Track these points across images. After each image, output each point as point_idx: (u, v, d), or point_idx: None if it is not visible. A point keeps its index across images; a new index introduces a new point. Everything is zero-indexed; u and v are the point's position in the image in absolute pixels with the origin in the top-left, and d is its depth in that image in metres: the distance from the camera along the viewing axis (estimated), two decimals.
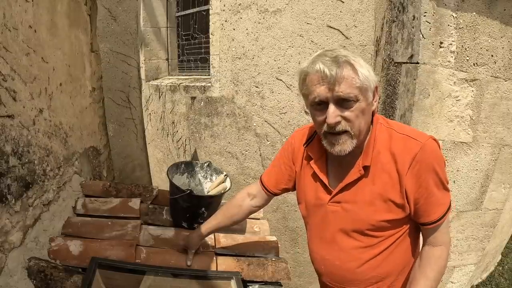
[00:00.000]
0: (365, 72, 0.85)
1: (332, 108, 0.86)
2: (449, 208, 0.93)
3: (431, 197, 0.90)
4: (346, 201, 0.96)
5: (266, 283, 1.42)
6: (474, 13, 1.65)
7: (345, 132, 0.88)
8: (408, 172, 0.88)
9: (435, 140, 0.91)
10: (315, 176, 1.02)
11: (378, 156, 0.92)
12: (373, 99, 0.91)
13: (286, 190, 1.17)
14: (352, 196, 0.95)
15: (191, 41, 3.94)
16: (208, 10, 3.09)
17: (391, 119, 2.01)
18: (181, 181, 1.79)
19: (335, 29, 2.44)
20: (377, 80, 0.90)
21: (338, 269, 1.01)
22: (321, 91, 0.86)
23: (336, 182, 0.98)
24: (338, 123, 0.87)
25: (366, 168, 0.92)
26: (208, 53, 3.24)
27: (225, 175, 1.79)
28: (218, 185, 1.76)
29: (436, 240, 0.94)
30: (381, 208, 0.92)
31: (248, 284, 1.40)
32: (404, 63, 1.84)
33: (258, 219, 1.82)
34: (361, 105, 0.86)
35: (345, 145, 0.89)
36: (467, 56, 1.71)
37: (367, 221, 0.93)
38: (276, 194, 1.20)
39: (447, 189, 0.92)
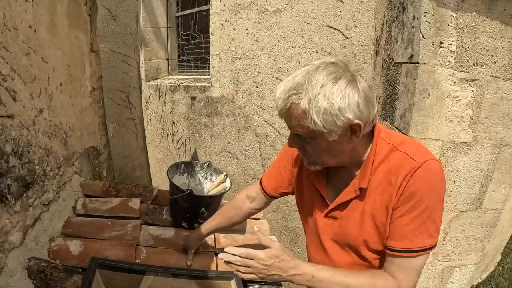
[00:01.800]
0: (318, 117, 0.73)
1: (290, 135, 0.84)
2: (420, 252, 0.79)
3: (402, 222, 0.79)
4: (341, 218, 0.92)
5: (266, 283, 1.42)
6: (474, 13, 1.65)
7: (305, 156, 0.86)
8: (397, 193, 0.79)
9: (436, 161, 0.79)
10: (313, 185, 0.99)
11: (376, 175, 0.84)
12: (349, 136, 0.79)
13: (285, 194, 1.15)
14: (347, 214, 0.90)
15: (191, 41, 3.94)
16: (208, 10, 3.09)
17: (390, 119, 2.01)
18: (181, 181, 1.79)
19: (335, 29, 2.44)
20: (351, 118, 0.74)
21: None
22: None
23: (334, 195, 0.94)
24: (297, 148, 0.86)
25: (362, 189, 0.86)
26: (208, 53, 3.24)
27: (225, 175, 1.79)
28: (218, 185, 1.76)
29: (394, 275, 0.82)
30: (372, 230, 0.86)
31: (248, 284, 1.39)
32: (404, 63, 1.84)
33: (258, 219, 1.82)
34: (318, 142, 0.79)
35: (311, 167, 0.88)
36: (467, 56, 1.71)
37: (360, 240, 0.89)
38: (275, 197, 1.17)
39: (430, 233, 0.78)
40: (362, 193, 0.87)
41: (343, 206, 0.91)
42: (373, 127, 0.85)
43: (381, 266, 0.89)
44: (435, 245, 0.81)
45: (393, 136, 0.87)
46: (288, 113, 0.77)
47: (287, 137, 0.88)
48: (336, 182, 0.93)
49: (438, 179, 0.79)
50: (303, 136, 0.80)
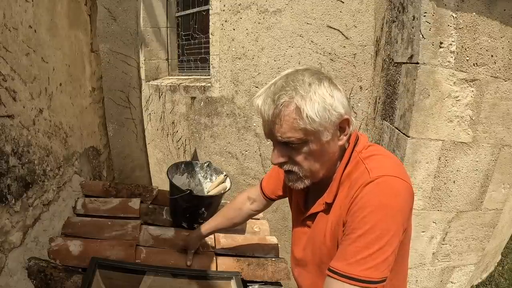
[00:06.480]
0: (314, 112, 0.71)
1: (275, 149, 0.80)
2: (355, 282, 0.66)
3: (346, 241, 0.71)
4: (312, 228, 0.92)
5: (266, 283, 1.42)
6: (474, 13, 1.65)
7: (292, 172, 0.81)
8: (349, 208, 0.74)
9: (399, 179, 0.71)
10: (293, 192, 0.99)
11: (342, 190, 0.81)
12: (338, 136, 0.78)
13: (282, 197, 1.15)
14: (315, 225, 0.90)
15: (191, 41, 3.94)
16: (208, 10, 3.09)
17: (390, 119, 2.01)
18: (181, 181, 1.79)
19: (335, 29, 2.44)
20: (343, 113, 0.74)
21: (301, 282, 1.00)
22: (265, 130, 0.79)
23: (310, 203, 0.93)
24: (283, 163, 0.81)
25: (328, 203, 0.84)
26: (208, 53, 3.25)
27: (225, 175, 1.79)
28: (218, 185, 1.76)
29: None
30: (332, 245, 0.82)
31: (248, 284, 1.40)
32: (404, 63, 1.84)
33: (258, 219, 1.82)
34: (311, 147, 0.75)
35: (297, 184, 0.83)
36: (467, 56, 1.71)
37: (322, 252, 0.87)
38: (273, 200, 1.18)
39: (375, 264, 0.66)
40: (328, 207, 0.85)
41: (313, 217, 0.91)
42: (349, 140, 0.82)
43: None
44: (380, 282, 0.67)
45: (367, 149, 0.82)
46: (278, 118, 0.73)
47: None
48: (315, 191, 0.92)
49: (394, 197, 0.69)
50: (293, 144, 0.75)
